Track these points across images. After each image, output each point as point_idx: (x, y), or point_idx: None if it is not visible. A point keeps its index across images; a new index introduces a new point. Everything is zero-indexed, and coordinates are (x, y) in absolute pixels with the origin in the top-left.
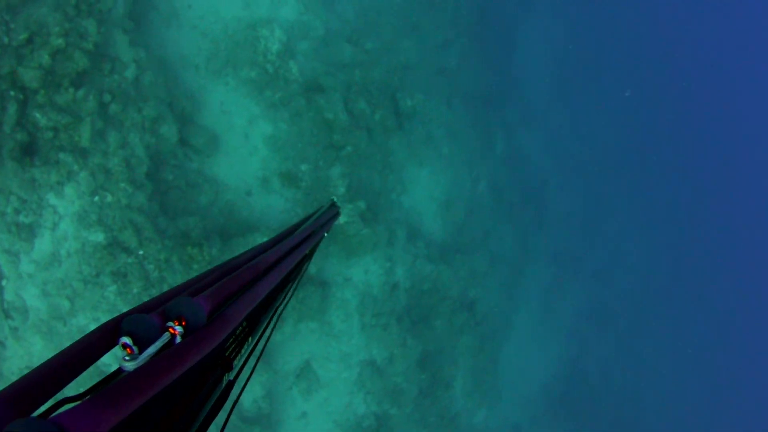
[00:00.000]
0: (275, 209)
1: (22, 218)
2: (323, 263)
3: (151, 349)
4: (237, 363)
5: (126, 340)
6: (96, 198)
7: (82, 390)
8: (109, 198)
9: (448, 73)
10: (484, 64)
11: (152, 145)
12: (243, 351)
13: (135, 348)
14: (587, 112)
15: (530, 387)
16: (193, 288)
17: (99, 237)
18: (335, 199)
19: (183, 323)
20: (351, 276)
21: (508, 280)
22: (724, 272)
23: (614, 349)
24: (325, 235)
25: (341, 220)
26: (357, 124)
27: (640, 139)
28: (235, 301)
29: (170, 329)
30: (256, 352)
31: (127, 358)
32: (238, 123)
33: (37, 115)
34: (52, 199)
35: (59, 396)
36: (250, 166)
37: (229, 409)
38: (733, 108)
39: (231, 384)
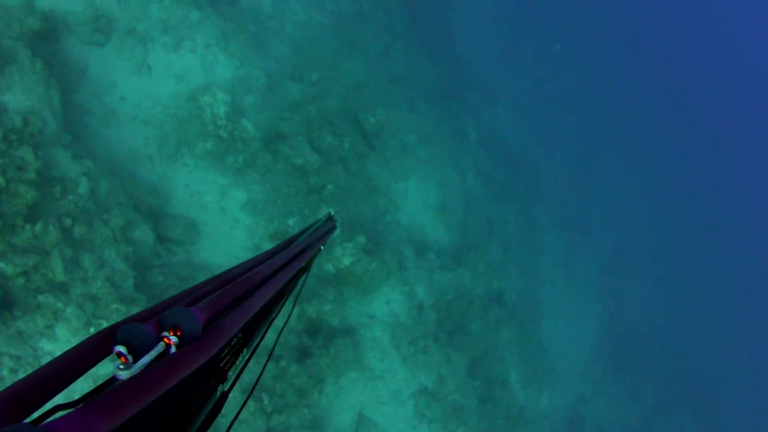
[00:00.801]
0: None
1: (21, 376)
2: (342, 311)
3: (146, 359)
4: (232, 374)
5: (120, 348)
6: (92, 329)
7: (76, 398)
8: (105, 324)
9: (399, 78)
10: (431, 58)
11: (130, 254)
12: (238, 362)
13: (129, 357)
14: (543, 70)
15: (581, 354)
16: (189, 298)
17: (107, 369)
18: (332, 213)
19: (178, 333)
20: (374, 313)
21: (525, 260)
22: (730, 195)
23: (648, 293)
24: (321, 248)
25: (346, 261)
26: (329, 160)
27: (609, 84)
28: (230, 312)
29: (165, 339)
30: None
31: (121, 366)
32: (210, 200)
33: (1, 265)
34: (46, 345)
35: (52, 403)
36: (236, 240)
37: (215, 418)
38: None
39: (225, 395)
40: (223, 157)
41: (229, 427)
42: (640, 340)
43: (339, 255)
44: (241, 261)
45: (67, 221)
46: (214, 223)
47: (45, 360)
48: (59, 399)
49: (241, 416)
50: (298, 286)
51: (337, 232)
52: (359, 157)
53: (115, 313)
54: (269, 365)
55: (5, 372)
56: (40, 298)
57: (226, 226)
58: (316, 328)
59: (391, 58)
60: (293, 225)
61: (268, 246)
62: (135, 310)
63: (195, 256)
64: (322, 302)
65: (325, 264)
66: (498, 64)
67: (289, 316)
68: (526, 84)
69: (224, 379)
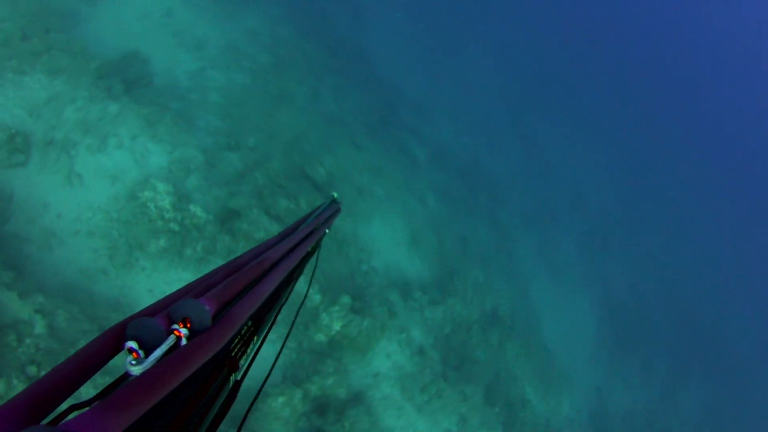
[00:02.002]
0: (271, 357)
1: None
2: (346, 379)
3: (157, 353)
4: (243, 363)
5: (132, 344)
6: None
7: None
8: None
9: (335, 118)
10: (359, 89)
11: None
12: (249, 350)
13: (141, 352)
14: (464, 71)
15: (586, 346)
16: (197, 289)
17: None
18: (336, 195)
19: (188, 325)
20: (377, 370)
21: (507, 269)
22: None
23: (631, 264)
24: (327, 231)
25: (336, 326)
26: (287, 225)
27: (535, 64)
28: (239, 301)
29: (175, 332)
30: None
31: (133, 362)
32: None
33: None
34: None
35: (68, 403)
36: None
37: (230, 407)
38: None
39: (238, 384)
40: (180, 251)
41: (248, 411)
42: (636, 314)
43: (327, 322)
44: None
45: (32, 369)
46: None
47: None
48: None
49: None
50: (312, 269)
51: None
52: None
53: None
54: None
55: None
56: None
57: None
58: (324, 405)
59: (321, 99)
60: None
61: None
62: None
63: None
64: (323, 377)
65: (316, 334)
66: (422, 78)
67: (305, 297)
68: (453, 89)
69: (236, 368)
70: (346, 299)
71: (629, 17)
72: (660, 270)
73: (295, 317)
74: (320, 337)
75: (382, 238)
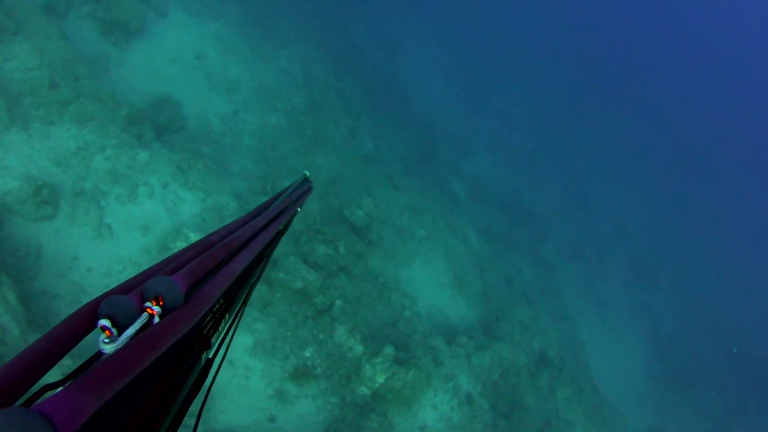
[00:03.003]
0: (313, 414)
1: None
2: None
3: (130, 331)
4: (215, 341)
5: (104, 322)
6: None
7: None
8: None
9: (372, 157)
10: (396, 126)
11: None
12: (220, 328)
13: (114, 330)
14: (503, 104)
15: (637, 383)
16: (169, 267)
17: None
18: (307, 174)
19: (161, 303)
20: (424, 423)
21: (552, 308)
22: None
23: (678, 295)
24: (298, 210)
25: (380, 379)
26: (329, 272)
27: (576, 96)
28: (211, 279)
29: (148, 309)
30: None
31: (106, 340)
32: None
33: None
34: None
35: (41, 384)
36: (254, 391)
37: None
38: None
39: (210, 362)
40: None
41: (207, 391)
42: (687, 348)
43: (371, 374)
44: (263, 412)
45: None
46: (224, 379)
47: None
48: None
49: None
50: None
51: (312, 194)
52: (359, 258)
53: None
54: None
55: None
56: None
57: (239, 379)
58: None
59: (357, 138)
60: (311, 355)
61: (292, 387)
62: None
63: (214, 422)
64: None
65: (359, 387)
66: (459, 112)
67: (259, 276)
68: (491, 123)
69: (208, 346)
70: (389, 350)
71: (668, 49)
72: (710, 301)
73: (246, 297)
74: (363, 390)
75: (424, 281)
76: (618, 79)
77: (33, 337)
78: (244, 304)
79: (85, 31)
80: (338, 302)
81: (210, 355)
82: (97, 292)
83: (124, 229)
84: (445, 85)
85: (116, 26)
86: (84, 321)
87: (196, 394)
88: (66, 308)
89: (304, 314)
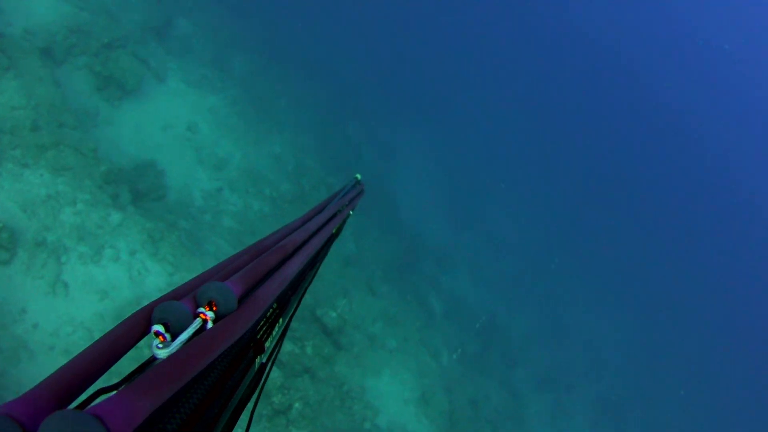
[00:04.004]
0: None
1: None
2: None
3: (183, 336)
4: (269, 345)
5: (158, 327)
6: None
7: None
8: None
9: (353, 259)
10: (380, 231)
11: None
12: (274, 333)
13: (167, 335)
14: (489, 225)
15: None
16: (223, 272)
17: None
18: (359, 177)
19: (214, 308)
20: None
21: None
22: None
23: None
24: (351, 213)
25: None
26: (292, 372)
27: (561, 230)
28: (265, 284)
29: (201, 315)
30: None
31: (159, 345)
32: None
33: None
34: None
35: (95, 387)
36: None
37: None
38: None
39: (263, 366)
40: None
41: (259, 393)
42: None
43: None
44: None
45: None
46: None
47: None
48: (101, 382)
49: None
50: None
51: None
52: (326, 361)
53: None
54: None
55: None
56: None
57: None
58: None
59: (340, 237)
60: None
61: None
62: None
63: None
64: None
65: None
66: (445, 226)
67: (311, 280)
68: (477, 241)
69: (262, 351)
70: None
71: (653, 185)
72: None
73: (302, 295)
74: None
75: (390, 394)
76: (610, 210)
77: None
78: (297, 307)
79: (79, 82)
80: (297, 405)
81: (264, 360)
82: (41, 351)
83: (81, 290)
84: (434, 196)
85: (112, 82)
86: (138, 326)
87: (249, 398)
88: (3, 363)
89: (257, 413)
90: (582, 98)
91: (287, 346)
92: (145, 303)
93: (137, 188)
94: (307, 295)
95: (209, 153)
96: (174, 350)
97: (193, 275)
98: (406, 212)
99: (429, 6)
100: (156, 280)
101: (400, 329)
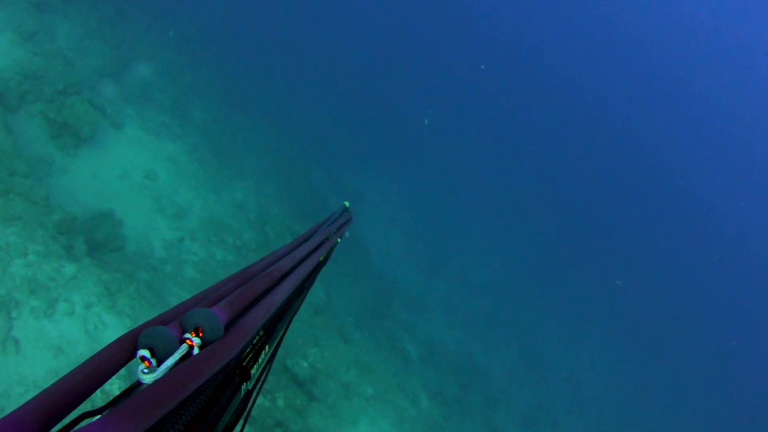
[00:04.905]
0: None
1: None
2: None
3: (169, 361)
4: (255, 372)
5: (144, 352)
6: None
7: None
8: None
9: (323, 307)
10: (350, 278)
11: None
12: (261, 360)
13: (153, 360)
14: (461, 265)
15: None
16: (209, 298)
17: None
18: (347, 204)
19: (200, 334)
20: None
21: None
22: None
23: None
24: (338, 241)
25: None
26: (263, 427)
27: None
28: (251, 310)
29: (187, 341)
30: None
31: (145, 370)
32: None
33: None
34: None
35: (78, 410)
36: None
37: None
38: None
39: (249, 393)
40: None
41: (245, 420)
42: None
43: None
44: None
45: None
46: None
47: None
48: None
49: None
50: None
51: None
52: (299, 413)
53: None
54: None
55: None
56: None
57: None
58: None
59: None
60: None
61: None
62: None
63: None
64: None
65: None
66: (417, 271)
67: (299, 307)
68: (449, 284)
69: (248, 378)
70: None
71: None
72: None
73: (289, 323)
74: None
75: None
76: (581, 244)
77: None
78: (284, 335)
79: (33, 130)
80: None
81: (249, 387)
82: None
83: (33, 346)
84: (404, 242)
85: (67, 130)
86: (123, 350)
87: (235, 425)
88: None
89: None
90: (551, 130)
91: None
92: (126, 331)
93: (94, 238)
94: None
95: (169, 201)
96: (160, 375)
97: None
98: (377, 259)
99: (390, 48)
100: (114, 334)
101: (376, 376)
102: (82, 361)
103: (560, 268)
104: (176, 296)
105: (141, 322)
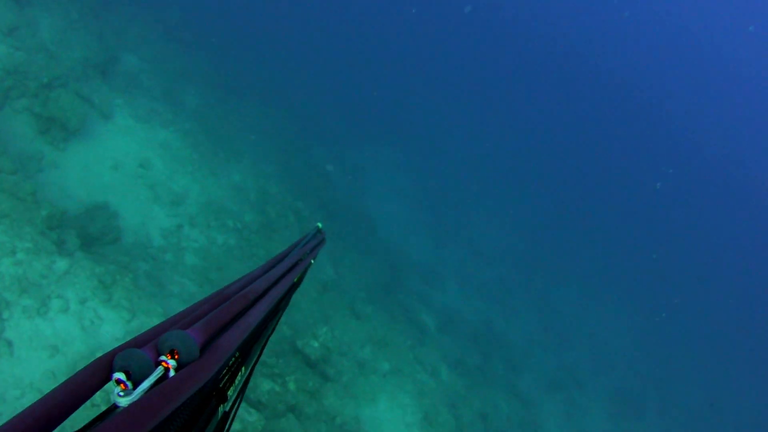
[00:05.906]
0: None
1: None
2: None
3: (145, 384)
4: (231, 393)
5: (119, 375)
6: None
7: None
8: None
9: (332, 284)
10: (358, 253)
11: None
12: (237, 381)
13: (129, 383)
14: (470, 233)
15: None
16: (184, 320)
17: None
18: (320, 225)
19: (176, 356)
20: None
21: None
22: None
23: (668, 426)
24: (312, 262)
25: None
26: (274, 413)
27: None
28: (227, 332)
29: (163, 363)
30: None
31: (121, 393)
32: None
33: None
34: None
35: None
36: None
37: None
38: None
39: (227, 415)
40: None
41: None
42: None
43: None
44: None
45: None
46: None
47: None
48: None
49: None
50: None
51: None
52: (312, 396)
53: None
54: None
55: None
56: None
57: None
58: None
59: (315, 263)
60: None
61: None
62: None
63: None
64: None
65: None
66: (427, 241)
67: (274, 328)
68: (462, 252)
69: (225, 399)
70: None
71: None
72: (700, 428)
73: (264, 344)
74: None
75: (390, 420)
76: (593, 203)
77: None
78: (260, 356)
79: (19, 126)
80: None
81: (227, 408)
82: None
83: (27, 347)
84: (412, 212)
85: (54, 124)
86: (98, 373)
87: None
88: None
89: None
90: (563, 99)
91: (265, 385)
92: (101, 355)
93: (88, 232)
94: (284, 327)
95: (165, 189)
96: (136, 398)
97: (155, 319)
98: (385, 231)
99: (389, 25)
100: (111, 328)
101: (392, 351)
102: (79, 358)
103: (574, 228)
104: (178, 285)
105: (140, 315)
